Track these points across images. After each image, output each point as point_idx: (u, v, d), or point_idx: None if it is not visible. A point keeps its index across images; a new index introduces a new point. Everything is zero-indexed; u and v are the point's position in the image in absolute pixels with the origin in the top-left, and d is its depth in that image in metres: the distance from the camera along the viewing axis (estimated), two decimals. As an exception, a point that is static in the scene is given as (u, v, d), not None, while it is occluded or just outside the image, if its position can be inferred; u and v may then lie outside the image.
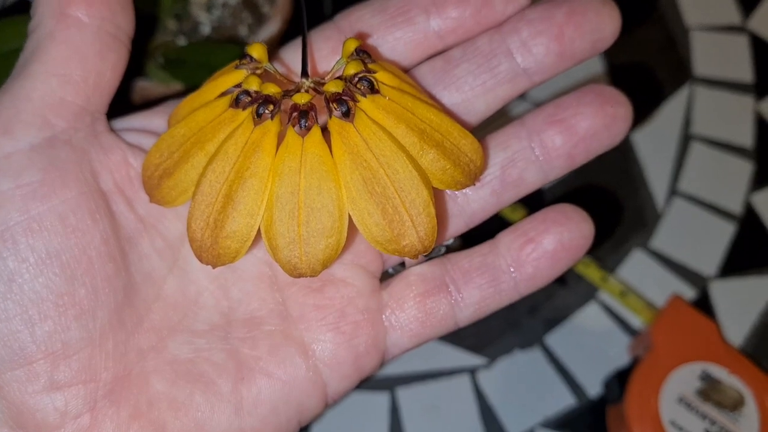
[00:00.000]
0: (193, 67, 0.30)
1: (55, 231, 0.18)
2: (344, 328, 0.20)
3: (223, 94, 0.18)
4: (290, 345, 0.20)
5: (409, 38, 0.21)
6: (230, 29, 0.34)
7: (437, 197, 0.20)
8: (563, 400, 0.33)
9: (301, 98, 0.17)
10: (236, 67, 0.18)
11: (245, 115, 0.17)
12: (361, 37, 0.20)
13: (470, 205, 0.21)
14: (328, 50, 0.22)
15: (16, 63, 0.19)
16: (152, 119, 0.21)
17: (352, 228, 0.18)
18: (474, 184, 0.19)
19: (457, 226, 0.22)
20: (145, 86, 0.31)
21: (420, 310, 0.21)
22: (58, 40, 0.18)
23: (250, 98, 0.17)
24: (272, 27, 0.33)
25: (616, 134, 0.21)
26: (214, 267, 0.18)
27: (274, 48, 0.34)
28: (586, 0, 0.20)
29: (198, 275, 0.20)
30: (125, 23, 0.19)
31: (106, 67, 0.19)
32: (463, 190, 0.21)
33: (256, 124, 0.17)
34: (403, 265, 0.22)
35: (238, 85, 0.18)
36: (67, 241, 0.18)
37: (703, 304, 0.35)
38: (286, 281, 0.21)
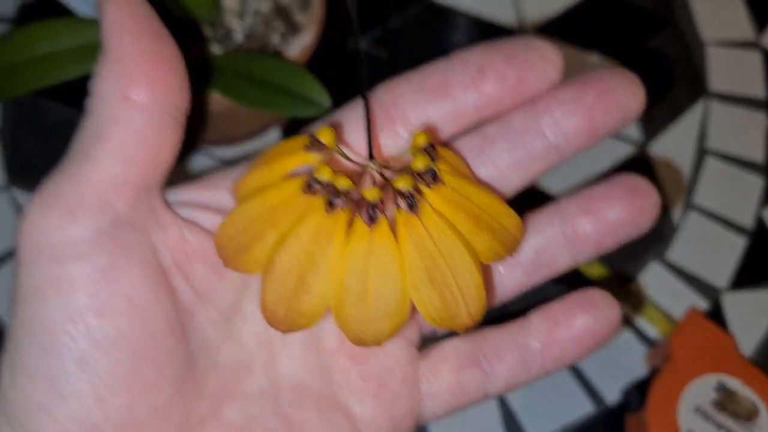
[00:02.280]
0: (231, 78, 0.30)
1: (122, 312, 0.18)
2: (384, 396, 0.22)
3: (292, 174, 0.19)
4: (336, 410, 0.21)
5: (447, 112, 0.22)
6: (263, 37, 0.35)
7: (484, 275, 0.22)
8: (582, 408, 0.34)
9: (371, 194, 0.18)
10: (306, 150, 0.19)
11: (317, 201, 0.18)
12: (428, 130, 0.21)
13: (504, 284, 0.23)
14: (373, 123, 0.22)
15: (75, 145, 0.19)
16: (203, 192, 0.21)
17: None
18: (512, 255, 0.21)
19: (491, 301, 0.23)
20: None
21: (454, 382, 0.22)
22: (120, 123, 0.18)
23: (321, 186, 0.18)
24: (306, 38, 0.33)
25: (643, 224, 0.22)
26: (284, 333, 0.20)
27: (310, 58, 0.34)
28: (614, 80, 0.21)
29: (249, 343, 0.21)
30: (181, 102, 0.20)
31: (165, 146, 0.19)
32: (500, 271, 0.23)
33: (327, 212, 0.18)
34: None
35: (307, 166, 0.19)
36: (133, 320, 0.18)
37: (716, 316, 0.37)
38: (330, 348, 0.22)
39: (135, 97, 0.18)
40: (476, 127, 0.23)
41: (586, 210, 0.22)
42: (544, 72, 0.21)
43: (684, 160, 0.40)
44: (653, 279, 0.37)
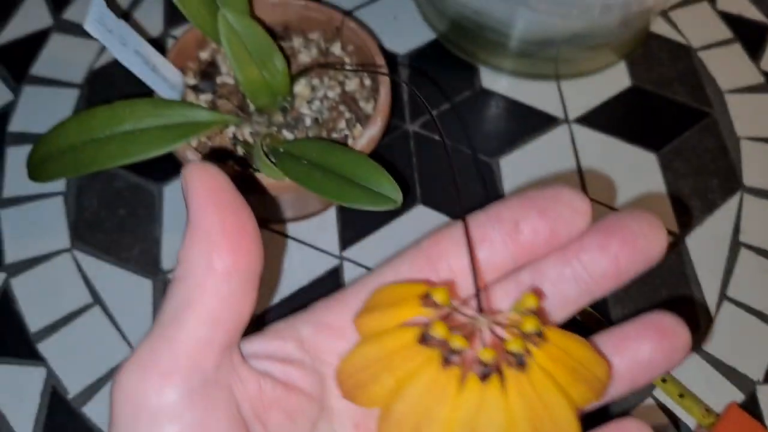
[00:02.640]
0: (306, 168, 0.32)
1: None
2: None
3: (408, 322, 0.21)
4: None
5: (486, 260, 0.24)
6: (330, 122, 0.37)
7: None
8: (622, 496, 0.35)
9: (487, 355, 0.20)
10: (422, 305, 0.21)
11: (433, 353, 0.20)
12: (537, 293, 0.23)
13: None
14: (415, 273, 0.24)
15: (165, 309, 0.21)
16: (271, 344, 0.23)
17: None
18: (600, 401, 0.22)
19: None
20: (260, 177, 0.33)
21: None
22: (207, 290, 0.20)
23: (436, 341, 0.20)
24: (374, 130, 0.35)
25: (675, 361, 0.24)
26: None
27: (376, 146, 0.36)
28: (636, 226, 0.23)
29: None
30: (259, 267, 0.22)
31: (244, 308, 0.21)
32: None
33: (444, 366, 0.20)
34: None
35: (424, 319, 0.21)
36: None
37: (751, 408, 0.38)
38: None
39: (219, 266, 0.20)
40: (510, 274, 0.25)
41: (619, 350, 0.24)
42: (574, 223, 0.23)
43: (720, 253, 0.42)
44: (690, 369, 0.38)
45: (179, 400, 0.20)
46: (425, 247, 0.24)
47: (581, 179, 0.44)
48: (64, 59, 0.47)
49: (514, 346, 0.20)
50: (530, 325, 0.20)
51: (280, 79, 0.34)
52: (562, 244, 0.24)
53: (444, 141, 0.21)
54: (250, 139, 0.36)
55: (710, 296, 0.41)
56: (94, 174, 0.42)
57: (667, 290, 0.40)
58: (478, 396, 0.20)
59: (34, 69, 0.46)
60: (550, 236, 0.23)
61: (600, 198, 0.43)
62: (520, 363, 0.20)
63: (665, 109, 0.47)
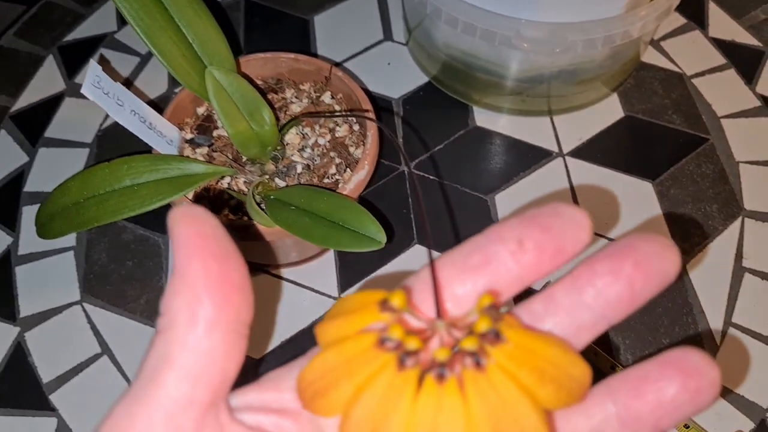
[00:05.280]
0: (294, 214, 0.33)
1: None
2: None
3: (367, 328, 0.21)
4: None
5: (492, 284, 0.23)
6: (321, 168, 0.38)
7: (550, 423, 0.22)
8: None
9: (441, 354, 0.20)
10: (380, 311, 0.21)
11: (389, 357, 0.20)
12: (492, 293, 0.23)
13: None
14: (421, 300, 0.23)
15: (145, 365, 0.20)
16: (265, 394, 0.22)
17: None
18: (579, 403, 0.22)
19: None
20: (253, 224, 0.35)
21: None
22: (189, 346, 0.19)
23: (393, 344, 0.20)
24: (361, 174, 0.36)
25: (703, 402, 0.22)
26: None
27: (362, 191, 0.37)
28: (648, 248, 0.22)
29: None
30: (247, 317, 0.20)
31: (231, 363, 0.20)
32: None
33: (399, 369, 0.20)
34: None
35: (382, 324, 0.21)
36: None
37: (762, 437, 0.37)
38: None
39: (203, 319, 0.19)
40: (523, 303, 0.24)
41: (639, 393, 0.22)
42: (578, 237, 0.23)
43: (723, 279, 0.41)
44: (697, 398, 0.38)
45: None
46: (424, 275, 0.23)
47: (578, 211, 0.44)
48: (76, 121, 0.49)
49: (469, 344, 0.20)
50: (484, 325, 0.20)
51: (268, 130, 0.35)
52: (568, 261, 0.23)
53: (402, 151, 0.21)
54: (244, 188, 0.37)
55: (715, 323, 0.40)
56: (103, 229, 0.44)
57: (670, 318, 0.40)
58: (436, 399, 0.20)
59: (48, 131, 0.49)
60: (555, 252, 0.22)
61: (597, 230, 0.43)
62: (477, 363, 0.20)
63: (660, 137, 0.47)
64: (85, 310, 0.41)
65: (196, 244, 0.20)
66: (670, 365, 0.22)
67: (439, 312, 0.22)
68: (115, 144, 0.48)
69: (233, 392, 0.22)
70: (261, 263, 0.41)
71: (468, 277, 0.23)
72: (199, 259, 0.20)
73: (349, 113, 0.39)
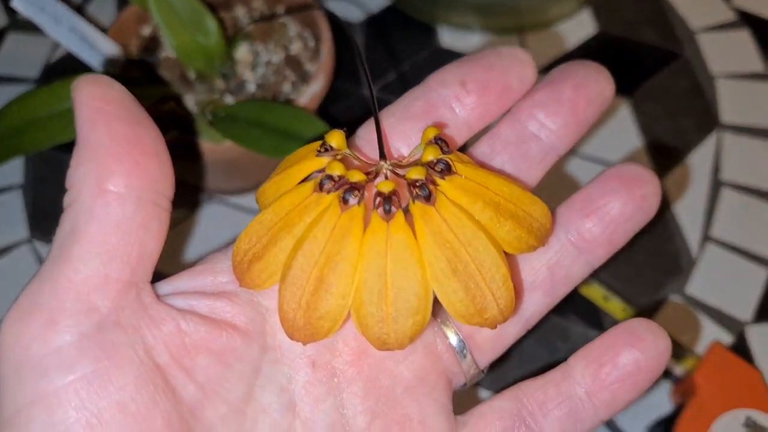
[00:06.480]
0: (244, 126, 0.31)
1: (116, 422, 0.17)
2: None
3: (306, 179, 0.19)
4: None
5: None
6: (274, 86, 0.36)
7: (512, 267, 0.21)
8: (607, 448, 0.33)
9: (385, 186, 0.18)
10: (317, 155, 0.19)
11: (330, 199, 0.18)
12: (438, 125, 0.21)
13: (527, 310, 0.22)
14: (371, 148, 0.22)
15: (52, 246, 0.18)
16: (196, 278, 0.20)
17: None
18: (544, 246, 0.20)
19: (517, 331, 0.22)
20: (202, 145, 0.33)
21: None
22: (97, 217, 0.17)
23: (333, 183, 0.18)
24: (315, 86, 0.34)
25: (648, 211, 0.21)
26: (305, 344, 0.18)
27: (320, 104, 0.35)
28: (584, 72, 0.22)
29: None
30: (166, 188, 0.18)
31: (149, 237, 0.18)
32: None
33: (342, 209, 0.18)
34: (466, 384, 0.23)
35: (321, 170, 0.19)
36: (129, 430, 0.17)
37: (741, 349, 0.36)
38: (360, 427, 0.20)
39: (112, 188, 0.17)
40: (468, 149, 0.23)
41: (586, 212, 0.21)
42: (523, 74, 0.21)
43: (699, 193, 0.40)
44: (674, 314, 0.37)
45: (69, 348, 0.17)
46: (364, 133, 0.22)
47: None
48: (20, 56, 0.47)
49: (415, 174, 0.18)
50: (432, 154, 0.18)
51: (214, 42, 0.33)
52: (515, 100, 0.22)
53: (361, 59, 0.19)
54: (194, 108, 0.35)
55: (692, 238, 0.39)
56: (52, 164, 0.42)
57: (646, 233, 0.39)
58: (384, 236, 0.18)
59: (-9, 68, 0.46)
60: (502, 91, 0.21)
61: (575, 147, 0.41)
62: (426, 195, 0.18)
63: (634, 52, 0.45)
64: (36, 249, 0.39)
65: (101, 108, 0.17)
66: (612, 178, 0.22)
67: (383, 153, 0.19)
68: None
69: (162, 281, 0.20)
70: (211, 189, 0.39)
71: (411, 125, 0.21)
72: (104, 124, 0.17)
73: (300, 10, 0.37)
